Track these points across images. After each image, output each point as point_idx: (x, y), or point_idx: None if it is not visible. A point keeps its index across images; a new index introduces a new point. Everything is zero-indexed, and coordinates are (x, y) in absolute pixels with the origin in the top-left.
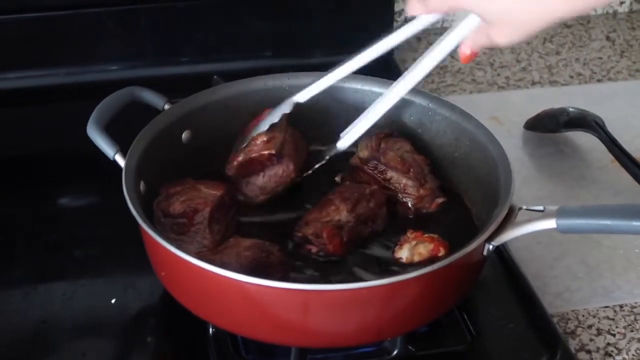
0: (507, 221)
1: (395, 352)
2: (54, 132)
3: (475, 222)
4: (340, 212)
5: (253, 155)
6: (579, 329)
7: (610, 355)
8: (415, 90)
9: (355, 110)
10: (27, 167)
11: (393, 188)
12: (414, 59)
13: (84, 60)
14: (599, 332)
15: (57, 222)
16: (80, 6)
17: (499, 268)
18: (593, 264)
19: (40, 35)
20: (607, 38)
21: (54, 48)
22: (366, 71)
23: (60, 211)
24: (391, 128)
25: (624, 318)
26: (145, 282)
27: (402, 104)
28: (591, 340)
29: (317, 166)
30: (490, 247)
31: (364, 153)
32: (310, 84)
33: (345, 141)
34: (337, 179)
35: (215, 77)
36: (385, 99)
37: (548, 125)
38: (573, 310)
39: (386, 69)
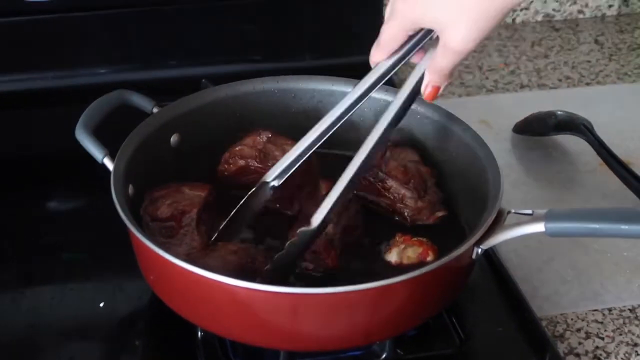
0: (496, 225)
1: (383, 355)
2: (43, 135)
3: (463, 225)
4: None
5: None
6: (568, 333)
7: (599, 359)
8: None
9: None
10: (15, 170)
11: (392, 197)
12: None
13: (72, 64)
14: (588, 336)
15: (46, 226)
16: (68, 10)
17: (488, 272)
18: (582, 267)
19: (29, 38)
20: (596, 41)
21: (42, 51)
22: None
23: (48, 214)
24: (400, 136)
25: (613, 321)
26: (134, 285)
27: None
28: (580, 343)
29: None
30: (479, 250)
31: None
32: (283, 164)
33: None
34: None
35: (203, 80)
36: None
37: (537, 129)
38: (562, 314)
39: None
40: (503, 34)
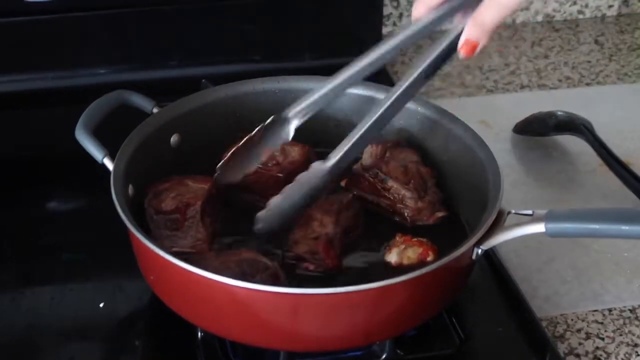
0: (496, 225)
1: (384, 356)
2: (43, 135)
3: (464, 225)
4: (326, 226)
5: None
6: (568, 333)
7: (599, 359)
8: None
9: (343, 114)
10: (15, 170)
11: (392, 198)
12: (403, 63)
13: (72, 64)
14: (588, 336)
15: (45, 226)
16: (68, 10)
17: (488, 272)
18: (582, 268)
19: (28, 39)
20: (596, 42)
21: (42, 52)
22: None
23: (48, 215)
24: (399, 137)
25: (613, 322)
26: (134, 286)
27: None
28: (580, 344)
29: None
30: (479, 251)
31: (366, 161)
32: (304, 101)
33: (331, 160)
34: (342, 184)
35: (203, 80)
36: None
37: (537, 129)
38: (562, 314)
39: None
40: (503, 34)
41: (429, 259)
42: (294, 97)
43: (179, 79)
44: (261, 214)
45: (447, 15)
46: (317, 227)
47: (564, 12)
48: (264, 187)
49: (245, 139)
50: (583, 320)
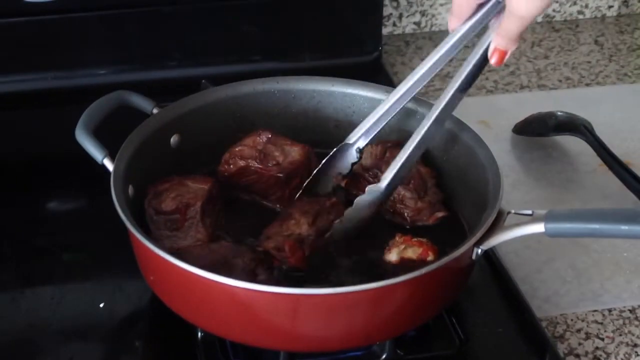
0: (496, 225)
1: (384, 356)
2: (43, 136)
3: (463, 226)
4: (300, 226)
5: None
6: (568, 333)
7: (599, 359)
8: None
9: (344, 115)
10: (15, 170)
11: (392, 198)
12: (403, 63)
13: (72, 65)
14: (588, 336)
15: (46, 226)
16: (68, 10)
17: (488, 272)
18: (581, 268)
19: (28, 39)
20: (596, 42)
21: (42, 52)
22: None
23: (48, 215)
24: (400, 137)
25: (613, 322)
26: (134, 286)
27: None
28: (580, 344)
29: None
30: (479, 251)
31: (366, 161)
32: (364, 126)
33: (384, 181)
34: (342, 184)
35: (203, 81)
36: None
37: (536, 129)
38: (562, 314)
39: (375, 72)
40: None
41: (429, 259)
42: (293, 97)
43: (179, 79)
44: (335, 223)
45: (479, 22)
46: (292, 225)
47: (564, 13)
48: (264, 187)
49: (314, 172)
50: (583, 321)
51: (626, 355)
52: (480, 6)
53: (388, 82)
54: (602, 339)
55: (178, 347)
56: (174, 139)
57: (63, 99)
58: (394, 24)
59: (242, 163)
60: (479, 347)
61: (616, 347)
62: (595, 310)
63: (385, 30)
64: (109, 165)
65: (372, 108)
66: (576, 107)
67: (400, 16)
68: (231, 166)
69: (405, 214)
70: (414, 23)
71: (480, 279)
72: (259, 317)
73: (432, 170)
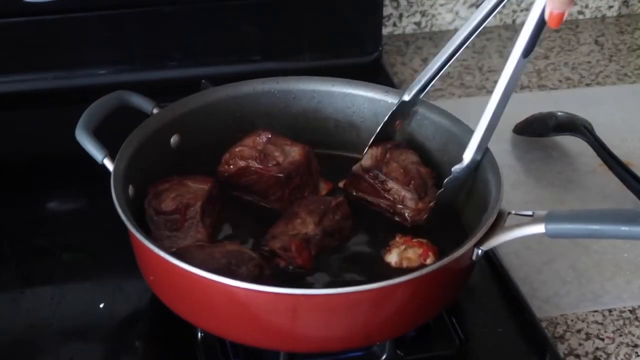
0: (496, 226)
1: (384, 356)
2: (43, 136)
3: (464, 226)
4: (306, 226)
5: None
6: (568, 334)
7: None
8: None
9: (343, 115)
10: (15, 171)
11: (392, 199)
12: (403, 63)
13: (72, 65)
14: (588, 337)
15: (46, 226)
16: (68, 10)
17: (488, 273)
18: (582, 268)
19: (28, 39)
20: (596, 42)
21: (42, 52)
22: (355, 75)
23: (48, 215)
24: (400, 138)
25: (613, 322)
26: (134, 286)
27: (390, 108)
28: (580, 344)
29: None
30: (479, 251)
31: (367, 162)
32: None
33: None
34: (340, 185)
35: (203, 81)
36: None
37: (537, 130)
38: (562, 315)
39: (375, 73)
40: (503, 34)
41: (429, 259)
42: (293, 97)
43: (179, 79)
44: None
45: None
46: (298, 224)
47: None
48: (264, 187)
49: (378, 129)
50: (583, 321)
51: (626, 356)
52: None
53: (388, 82)
54: (603, 340)
55: (178, 348)
56: (174, 139)
57: (63, 99)
58: (394, 24)
59: (242, 163)
60: (479, 347)
61: (616, 348)
62: (595, 311)
63: (385, 31)
64: (109, 165)
65: (372, 108)
66: (576, 107)
67: (401, 16)
68: (231, 166)
69: (406, 214)
70: (414, 23)
71: (480, 279)
72: (258, 318)
73: (432, 171)
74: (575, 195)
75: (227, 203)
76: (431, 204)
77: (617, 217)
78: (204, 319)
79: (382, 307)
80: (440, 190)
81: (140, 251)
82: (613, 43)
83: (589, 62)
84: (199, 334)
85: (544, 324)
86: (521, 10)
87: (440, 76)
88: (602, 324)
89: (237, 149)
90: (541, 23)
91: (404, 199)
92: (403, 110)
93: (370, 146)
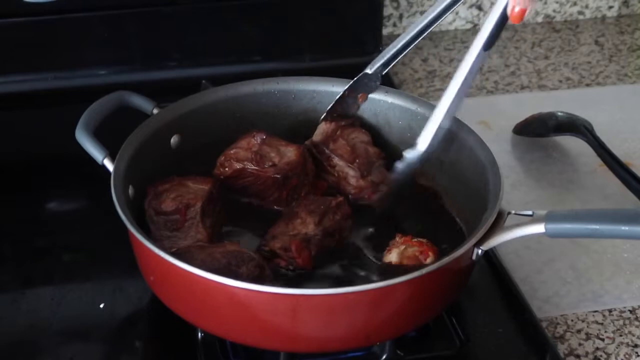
0: (496, 226)
1: (384, 356)
2: (43, 136)
3: (464, 226)
4: (307, 226)
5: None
6: (568, 334)
7: None
8: (403, 95)
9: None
10: (15, 171)
11: (336, 175)
12: (403, 63)
13: (72, 65)
14: (588, 337)
15: (46, 227)
16: (68, 11)
17: (488, 273)
18: (582, 268)
19: (29, 39)
20: (596, 42)
21: (42, 52)
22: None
23: (48, 215)
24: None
25: (613, 322)
26: (134, 286)
27: (390, 108)
28: (580, 344)
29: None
30: (479, 251)
31: (317, 137)
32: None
33: (422, 144)
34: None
35: (204, 81)
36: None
37: (537, 130)
38: (562, 315)
39: None
40: (503, 35)
41: (429, 259)
42: (294, 97)
43: (179, 79)
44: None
45: None
46: (298, 225)
47: (564, 13)
48: (261, 188)
49: (336, 99)
50: (583, 321)
51: (626, 356)
52: None
53: (388, 82)
54: (603, 340)
55: (178, 348)
56: (174, 140)
57: (63, 100)
58: (394, 25)
59: (238, 165)
60: (479, 347)
61: (616, 348)
62: (595, 311)
63: (385, 31)
64: (109, 165)
65: (371, 108)
66: (576, 107)
67: (401, 17)
68: (226, 169)
69: (348, 191)
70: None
71: (480, 279)
72: (259, 318)
73: (380, 152)
74: (575, 195)
75: (227, 203)
76: (384, 187)
77: (617, 216)
78: (204, 319)
79: (382, 307)
80: (392, 174)
81: (141, 251)
82: (613, 43)
83: (589, 63)
84: (199, 334)
85: (544, 324)
86: None
87: (406, 54)
88: (602, 324)
89: (231, 151)
90: (503, 18)
91: (347, 176)
92: (367, 84)
93: (325, 120)
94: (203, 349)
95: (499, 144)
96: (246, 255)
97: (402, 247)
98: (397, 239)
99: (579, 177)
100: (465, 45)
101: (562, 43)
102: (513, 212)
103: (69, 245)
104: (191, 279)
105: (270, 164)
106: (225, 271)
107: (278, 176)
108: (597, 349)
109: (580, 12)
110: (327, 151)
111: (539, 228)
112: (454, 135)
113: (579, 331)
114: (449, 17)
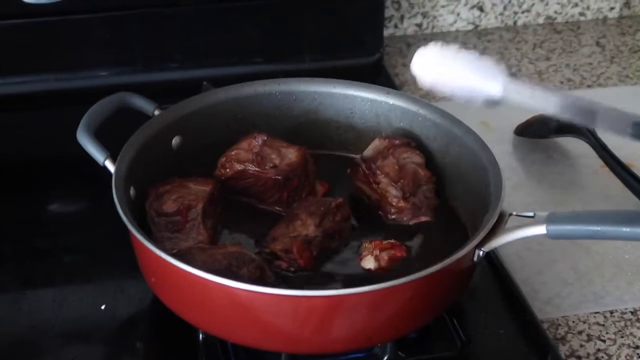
0: (498, 227)
1: (385, 358)
2: (44, 137)
3: (465, 228)
4: (307, 227)
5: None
6: (569, 335)
7: None
8: (405, 96)
9: (345, 116)
10: (16, 172)
11: (379, 192)
12: (404, 65)
13: (73, 66)
14: (589, 338)
15: (47, 228)
16: (69, 12)
17: (489, 274)
18: (583, 270)
19: (30, 41)
20: (597, 44)
21: (43, 54)
22: (356, 77)
23: (49, 217)
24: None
25: (614, 324)
26: (135, 288)
27: (392, 109)
28: (581, 346)
29: None
30: (481, 253)
31: (368, 152)
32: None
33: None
34: (349, 171)
35: (205, 83)
36: None
37: (538, 131)
38: (563, 316)
39: (376, 74)
40: (505, 36)
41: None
42: (295, 99)
43: (180, 81)
44: None
45: None
46: (298, 226)
47: (566, 14)
48: (262, 190)
49: None
50: (584, 322)
51: (628, 357)
52: None
53: (389, 83)
54: (604, 341)
55: (179, 349)
56: (175, 141)
57: (65, 101)
58: (396, 26)
59: (239, 167)
60: (480, 349)
61: (618, 349)
62: (596, 312)
63: (386, 32)
64: (111, 167)
65: (373, 110)
66: None
67: (402, 18)
68: (227, 170)
69: (387, 210)
70: (416, 25)
71: (481, 280)
72: (260, 319)
73: (432, 175)
74: (576, 196)
75: (228, 205)
76: (425, 218)
77: (619, 218)
78: (205, 321)
79: (383, 309)
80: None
81: (142, 253)
82: (614, 44)
83: (591, 64)
84: (200, 336)
85: (545, 326)
86: (522, 12)
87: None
88: (603, 325)
89: (232, 153)
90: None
91: (389, 195)
92: None
93: (379, 137)
94: (204, 350)
95: (500, 145)
96: (247, 257)
97: (376, 251)
98: (367, 244)
99: (580, 179)
100: (466, 46)
101: (564, 44)
102: (514, 213)
103: (70, 247)
104: (192, 280)
105: (271, 165)
106: (226, 272)
107: (279, 177)
108: (599, 350)
109: (581, 14)
110: (373, 167)
111: (540, 229)
112: (454, 136)
113: (580, 332)
114: (450, 18)
